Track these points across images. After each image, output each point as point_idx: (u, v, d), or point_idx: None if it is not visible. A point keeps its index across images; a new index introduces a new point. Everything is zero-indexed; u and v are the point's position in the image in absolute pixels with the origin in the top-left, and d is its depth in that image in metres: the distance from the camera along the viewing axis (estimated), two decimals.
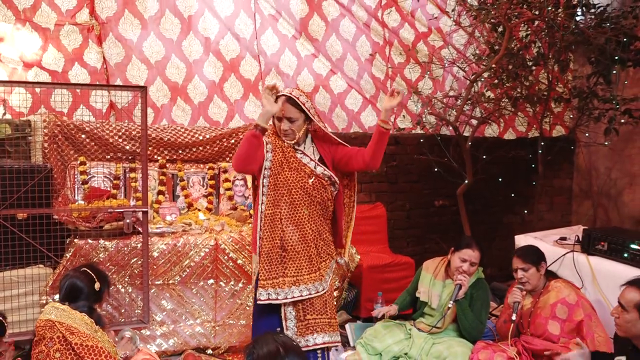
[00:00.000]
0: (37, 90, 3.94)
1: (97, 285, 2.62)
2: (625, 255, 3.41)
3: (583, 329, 3.10)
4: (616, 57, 4.16)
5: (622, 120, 4.34)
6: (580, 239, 3.76)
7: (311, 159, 2.79)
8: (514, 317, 3.21)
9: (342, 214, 2.91)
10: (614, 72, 4.33)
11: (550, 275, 3.43)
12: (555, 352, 3.05)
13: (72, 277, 2.62)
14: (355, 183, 2.97)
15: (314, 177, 2.73)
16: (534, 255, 3.35)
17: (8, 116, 3.88)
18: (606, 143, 4.72)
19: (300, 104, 2.68)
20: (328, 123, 4.78)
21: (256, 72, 4.61)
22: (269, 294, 2.69)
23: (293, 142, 2.76)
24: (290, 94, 2.69)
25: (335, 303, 2.94)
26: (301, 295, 2.72)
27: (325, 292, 2.79)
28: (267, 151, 2.71)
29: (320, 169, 2.76)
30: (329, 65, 4.82)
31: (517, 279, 3.34)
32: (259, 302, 2.70)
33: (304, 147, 2.82)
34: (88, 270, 2.69)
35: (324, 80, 4.80)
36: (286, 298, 2.70)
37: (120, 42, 4.22)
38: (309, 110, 2.70)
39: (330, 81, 4.83)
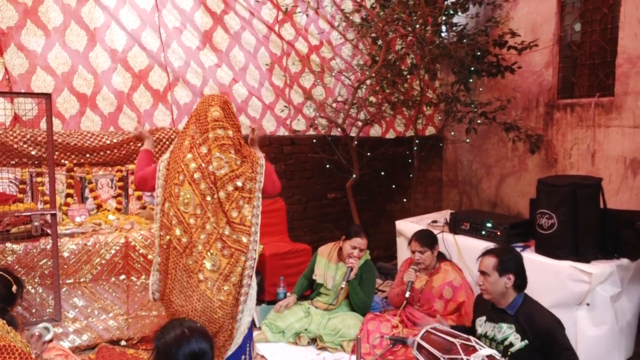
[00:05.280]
0: None
1: (14, 288, 2.47)
2: (483, 232, 3.71)
3: (463, 308, 3.32)
4: (472, 68, 4.50)
5: (479, 121, 4.65)
6: (448, 221, 4.04)
7: None
8: (407, 295, 3.37)
9: None
10: (471, 80, 4.68)
11: (441, 257, 3.60)
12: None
13: None
14: None
15: None
16: (430, 239, 3.52)
17: None
18: (467, 140, 5.07)
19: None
20: None
21: (165, 83, 4.43)
22: None
23: None
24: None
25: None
26: None
27: None
28: None
29: None
30: (231, 75, 4.73)
31: (414, 260, 3.49)
32: None
33: None
34: (5, 275, 2.52)
35: (227, 88, 4.72)
36: None
37: (23, 53, 3.84)
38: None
39: (233, 89, 4.75)
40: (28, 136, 3.73)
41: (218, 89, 4.67)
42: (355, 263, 3.57)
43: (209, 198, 2.35)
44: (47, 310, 3.28)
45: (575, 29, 4.52)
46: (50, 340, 2.61)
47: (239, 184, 2.40)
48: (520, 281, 2.63)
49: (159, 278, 2.40)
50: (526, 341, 2.52)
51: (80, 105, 4.11)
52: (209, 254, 2.34)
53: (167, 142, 4.14)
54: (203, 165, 2.36)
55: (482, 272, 2.69)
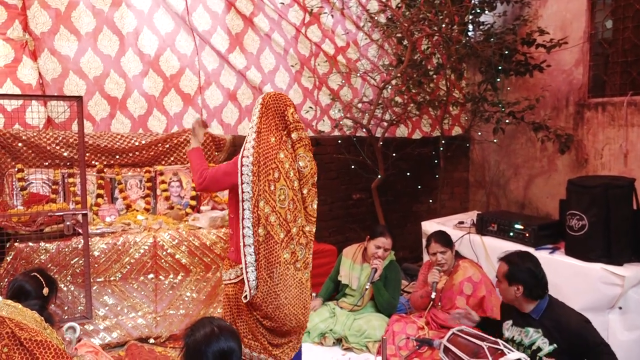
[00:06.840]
0: None
1: (45, 291, 2.56)
2: (511, 234, 3.67)
3: (484, 303, 3.29)
4: (500, 67, 4.44)
5: (507, 121, 4.58)
6: (475, 222, 4.00)
7: None
8: (433, 295, 3.35)
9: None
10: (499, 80, 4.62)
11: (458, 256, 3.59)
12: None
13: (20, 281, 2.52)
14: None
15: None
16: (449, 239, 3.51)
17: None
18: (495, 140, 5.00)
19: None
20: None
21: (195, 86, 4.49)
22: None
23: None
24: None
25: None
26: None
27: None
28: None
29: None
30: (260, 77, 4.75)
31: (436, 261, 3.46)
32: None
33: None
34: (38, 275, 2.60)
35: (256, 91, 4.72)
36: None
37: (56, 57, 3.95)
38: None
39: (263, 92, 4.77)
40: (60, 138, 3.84)
41: (251, 92, 4.69)
42: (380, 264, 3.57)
43: (298, 194, 2.53)
44: (79, 307, 3.37)
45: (606, 26, 4.43)
46: (79, 339, 2.70)
47: (315, 179, 2.60)
48: (531, 291, 2.58)
49: (257, 276, 2.43)
50: (554, 345, 2.49)
51: (111, 108, 4.20)
52: (298, 244, 2.52)
53: None
54: (293, 163, 2.52)
55: (496, 277, 2.70)
